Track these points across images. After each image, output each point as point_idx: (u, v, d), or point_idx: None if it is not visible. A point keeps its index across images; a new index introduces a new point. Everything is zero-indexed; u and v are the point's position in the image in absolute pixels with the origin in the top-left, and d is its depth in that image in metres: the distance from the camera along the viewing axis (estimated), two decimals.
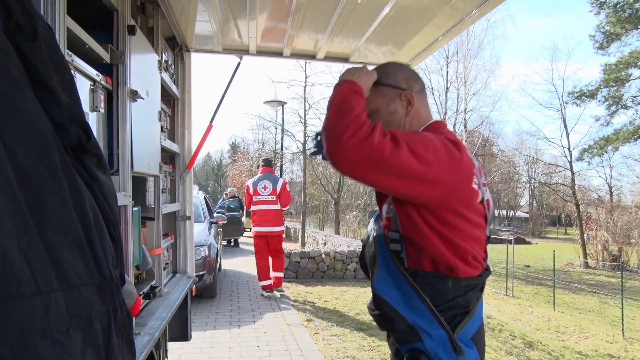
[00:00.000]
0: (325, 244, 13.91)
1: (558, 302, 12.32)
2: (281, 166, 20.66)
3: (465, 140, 20.16)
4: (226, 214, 13.27)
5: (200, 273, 7.17)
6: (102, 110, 1.96)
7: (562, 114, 26.84)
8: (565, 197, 29.90)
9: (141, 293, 2.49)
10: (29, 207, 0.83)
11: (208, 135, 3.90)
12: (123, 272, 1.10)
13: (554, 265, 13.93)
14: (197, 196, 9.29)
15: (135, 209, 2.36)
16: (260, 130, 31.28)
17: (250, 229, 8.49)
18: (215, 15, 3.07)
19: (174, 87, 3.46)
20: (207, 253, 7.47)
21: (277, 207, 7.93)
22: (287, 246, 10.88)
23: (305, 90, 20.55)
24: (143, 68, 2.51)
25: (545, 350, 7.97)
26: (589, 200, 30.70)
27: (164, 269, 3.08)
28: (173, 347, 4.82)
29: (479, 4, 2.62)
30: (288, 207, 8.37)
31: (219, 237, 10.39)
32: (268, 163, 8.45)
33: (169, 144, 3.27)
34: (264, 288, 7.97)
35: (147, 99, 2.53)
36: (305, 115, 20.94)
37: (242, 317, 6.65)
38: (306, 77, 20.27)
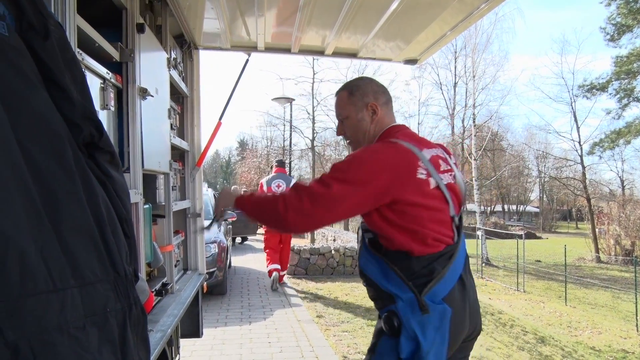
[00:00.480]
0: (334, 240, 13.90)
1: (570, 297, 12.22)
2: (290, 163, 20.67)
3: (474, 135, 20.00)
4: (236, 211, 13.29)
5: (211, 270, 7.20)
6: (112, 109, 1.97)
7: (572, 108, 26.64)
8: (576, 191, 29.65)
9: (153, 290, 2.51)
10: (43, 204, 0.83)
11: (217, 133, 3.90)
12: (137, 268, 1.10)
13: (565, 260, 13.81)
14: (207, 193, 9.33)
15: (146, 206, 2.37)
16: (268, 127, 31.25)
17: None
18: (223, 12, 3.07)
19: (182, 85, 3.47)
20: (217, 250, 7.51)
21: None
22: (296, 243, 10.91)
23: (313, 87, 20.58)
24: (152, 66, 2.52)
25: (558, 346, 7.93)
26: (600, 194, 30.42)
27: (175, 266, 3.10)
28: (184, 343, 4.85)
29: None
30: None
31: (229, 234, 10.42)
32: (281, 164, 9.05)
33: (178, 142, 3.28)
34: (270, 272, 8.43)
35: (157, 96, 2.54)
36: (313, 112, 20.97)
37: (252, 314, 6.68)
38: (314, 74, 20.28)
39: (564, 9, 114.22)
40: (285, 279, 9.06)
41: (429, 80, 33.25)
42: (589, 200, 25.40)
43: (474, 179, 19.40)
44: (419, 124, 28.31)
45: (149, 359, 1.06)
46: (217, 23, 3.29)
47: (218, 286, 7.62)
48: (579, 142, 26.17)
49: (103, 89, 1.88)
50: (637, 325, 9.98)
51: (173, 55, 3.21)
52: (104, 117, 1.91)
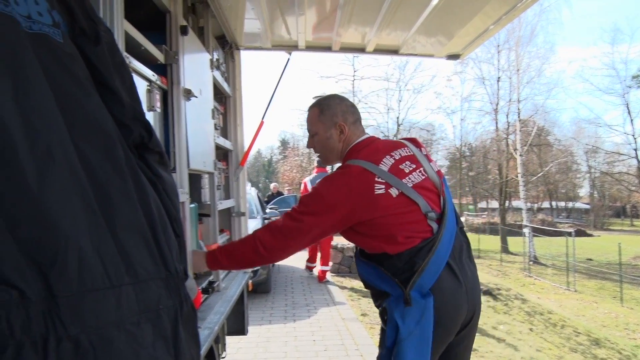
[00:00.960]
0: None
1: (626, 297, 11.71)
2: None
3: (519, 131, 19.42)
4: (279, 210, 13.42)
5: (255, 268, 7.27)
6: (158, 110, 2.01)
7: (625, 99, 25.53)
8: (630, 186, 28.44)
9: (200, 288, 2.55)
10: (98, 204, 0.86)
11: (260, 132, 3.93)
12: (186, 266, 1.12)
13: (620, 258, 13.24)
14: (250, 192, 9.44)
15: (192, 205, 2.41)
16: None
17: None
18: (263, 12, 3.09)
19: (225, 85, 3.51)
20: None
21: None
22: (339, 241, 10.89)
23: (353, 84, 20.53)
24: (196, 67, 2.56)
25: (615, 349, 7.61)
26: None
27: None
28: (230, 341, 4.91)
29: None
30: None
31: None
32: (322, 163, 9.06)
33: (222, 141, 3.33)
34: (308, 268, 9.30)
35: (200, 97, 2.58)
36: None
37: (296, 312, 6.72)
38: (354, 71, 20.22)
39: None
40: (329, 276, 9.11)
41: (471, 76, 32.60)
42: None
43: (519, 175, 18.89)
44: (461, 120, 27.84)
45: (200, 355, 1.07)
46: (257, 23, 3.32)
47: (262, 284, 7.70)
48: (633, 135, 25.07)
49: (149, 91, 1.92)
50: None
51: (215, 56, 3.25)
52: (151, 119, 1.95)
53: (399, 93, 26.41)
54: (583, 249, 20.51)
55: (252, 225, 7.99)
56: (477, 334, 2.28)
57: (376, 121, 27.11)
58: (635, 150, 25.16)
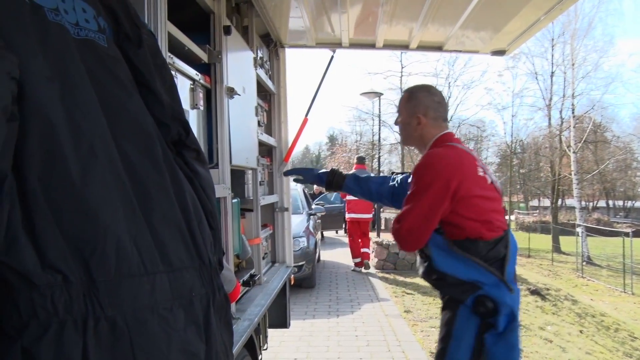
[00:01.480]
0: None
1: None
2: (379, 157, 20.56)
3: (573, 127, 18.67)
4: (325, 206, 13.52)
5: (300, 263, 7.38)
6: (201, 108, 2.09)
7: None
8: None
9: (241, 280, 2.62)
10: (136, 198, 0.92)
11: (304, 129, 3.98)
12: (221, 258, 1.17)
13: None
14: (296, 188, 9.56)
15: (235, 200, 2.49)
16: (357, 122, 31.25)
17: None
18: (307, 10, 3.13)
19: (269, 83, 3.57)
20: (305, 244, 7.67)
21: None
22: (385, 237, 10.88)
23: (401, 81, 20.34)
24: (239, 66, 2.63)
25: None
26: None
27: (263, 258, 3.21)
28: (274, 334, 5.02)
29: None
30: None
31: (318, 229, 10.61)
32: (361, 160, 9.91)
33: (265, 138, 3.39)
34: (356, 265, 9.53)
35: (244, 95, 2.64)
36: None
37: (340, 307, 6.76)
38: (402, 67, 20.03)
39: None
40: (374, 271, 9.57)
41: (524, 71, 31.40)
42: None
43: (572, 173, 18.19)
44: (512, 116, 26.97)
45: (232, 342, 1.13)
46: (301, 21, 3.36)
47: (307, 279, 7.79)
48: None
49: (193, 90, 2.00)
50: None
51: (260, 55, 3.32)
52: (194, 116, 2.03)
53: (449, 89, 25.92)
54: None
55: (297, 220, 8.12)
56: (522, 334, 2.37)
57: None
58: None
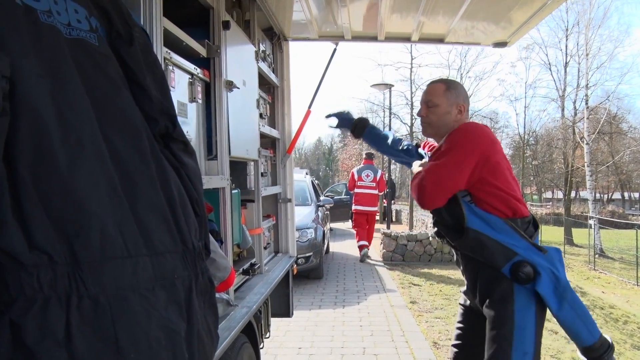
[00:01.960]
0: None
1: None
2: None
3: (587, 118, 18.47)
4: (334, 198, 13.60)
5: (307, 255, 7.46)
6: (200, 101, 2.15)
7: None
8: None
9: (241, 269, 2.69)
10: (122, 186, 0.99)
11: (307, 121, 4.03)
12: (208, 243, 1.24)
13: None
14: (305, 180, 9.62)
15: (235, 191, 2.55)
16: (368, 113, 31.27)
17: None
18: (308, 3, 3.17)
19: (272, 76, 3.62)
20: (313, 235, 7.74)
21: (376, 192, 10.27)
22: (394, 229, 10.87)
23: (411, 72, 20.25)
24: (239, 59, 2.68)
25: None
26: None
27: (265, 248, 3.28)
28: (280, 324, 5.11)
29: None
30: (384, 192, 11.71)
31: (327, 220, 10.69)
32: (370, 156, 10.69)
33: (268, 130, 3.45)
34: (360, 248, 9.89)
35: (244, 88, 2.70)
36: (412, 98, 20.63)
37: (347, 298, 6.83)
38: (412, 59, 19.94)
39: None
40: (382, 262, 9.76)
41: (537, 61, 31.18)
42: None
43: (586, 164, 18.03)
44: (525, 107, 26.73)
45: (217, 324, 1.20)
46: (304, 15, 3.40)
47: (314, 270, 7.86)
48: None
49: (191, 84, 2.06)
50: None
51: (262, 48, 3.37)
52: (193, 109, 2.09)
53: (461, 80, 25.79)
54: None
55: (305, 212, 8.19)
56: None
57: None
58: None
